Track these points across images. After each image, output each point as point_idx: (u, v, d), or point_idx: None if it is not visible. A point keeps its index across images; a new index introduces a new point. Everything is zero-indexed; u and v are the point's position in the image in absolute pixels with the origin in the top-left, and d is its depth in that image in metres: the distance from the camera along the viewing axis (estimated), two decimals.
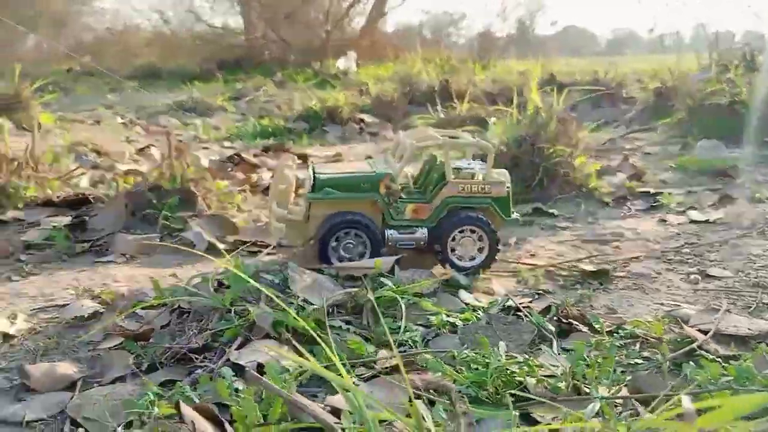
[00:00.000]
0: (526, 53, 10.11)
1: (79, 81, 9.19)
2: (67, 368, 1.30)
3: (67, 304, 1.62)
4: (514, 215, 1.96)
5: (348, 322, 1.48)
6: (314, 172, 1.87)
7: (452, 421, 0.90)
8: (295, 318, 1.37)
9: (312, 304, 1.48)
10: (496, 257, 1.89)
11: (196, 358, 1.33)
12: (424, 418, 0.89)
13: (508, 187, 1.92)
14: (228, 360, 1.28)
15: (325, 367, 1.04)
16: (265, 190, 2.55)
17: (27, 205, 2.23)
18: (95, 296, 1.67)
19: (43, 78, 4.82)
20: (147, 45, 11.34)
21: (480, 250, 1.88)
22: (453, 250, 1.86)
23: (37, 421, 1.16)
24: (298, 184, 2.18)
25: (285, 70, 9.10)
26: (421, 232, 1.85)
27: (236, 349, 1.32)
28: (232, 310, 1.44)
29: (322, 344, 1.01)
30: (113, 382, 1.28)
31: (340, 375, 0.88)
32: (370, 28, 11.35)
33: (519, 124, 2.78)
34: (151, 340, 1.42)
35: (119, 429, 1.11)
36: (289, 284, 1.55)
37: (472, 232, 1.87)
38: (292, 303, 1.47)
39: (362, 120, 4.86)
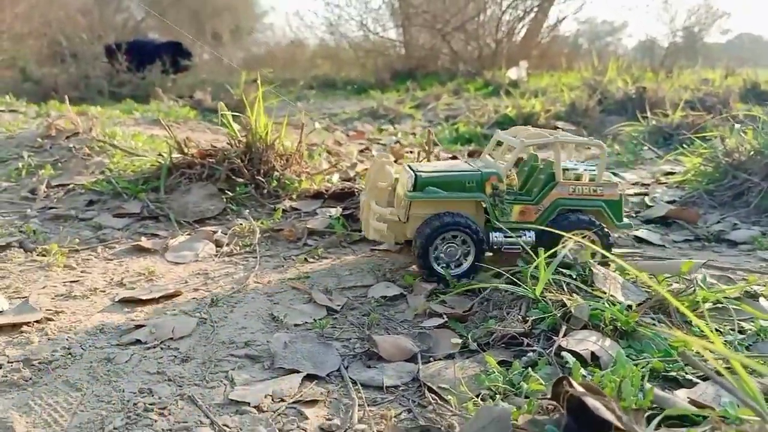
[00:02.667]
0: (694, 63, 9.47)
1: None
2: (407, 342, 1.40)
3: (371, 285, 1.75)
4: (626, 220, 1.83)
5: (659, 321, 1.47)
6: (414, 170, 1.76)
7: None
8: (620, 312, 1.40)
9: (619, 300, 1.48)
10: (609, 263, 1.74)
11: (522, 343, 1.38)
12: None
13: (620, 190, 1.81)
14: (559, 347, 1.32)
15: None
16: None
17: (299, 197, 2.45)
18: (390, 280, 1.79)
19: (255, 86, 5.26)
20: (322, 58, 11.99)
21: (592, 255, 1.75)
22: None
23: (395, 387, 1.27)
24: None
25: (454, 80, 9.22)
26: (529, 235, 1.74)
27: (562, 337, 1.36)
28: (545, 300, 1.48)
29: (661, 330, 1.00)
30: (446, 357, 1.37)
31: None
32: (536, 38, 11.19)
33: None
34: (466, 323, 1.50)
35: (478, 399, 1.19)
36: (594, 281, 1.56)
37: (583, 236, 1.76)
38: (600, 298, 1.49)
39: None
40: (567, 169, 1.83)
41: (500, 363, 1.31)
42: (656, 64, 9.57)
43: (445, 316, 1.53)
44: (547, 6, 10.98)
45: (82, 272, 1.83)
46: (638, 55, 13.22)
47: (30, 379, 1.25)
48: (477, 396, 1.20)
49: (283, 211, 2.34)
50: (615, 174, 3.34)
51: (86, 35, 8.81)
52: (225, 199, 2.37)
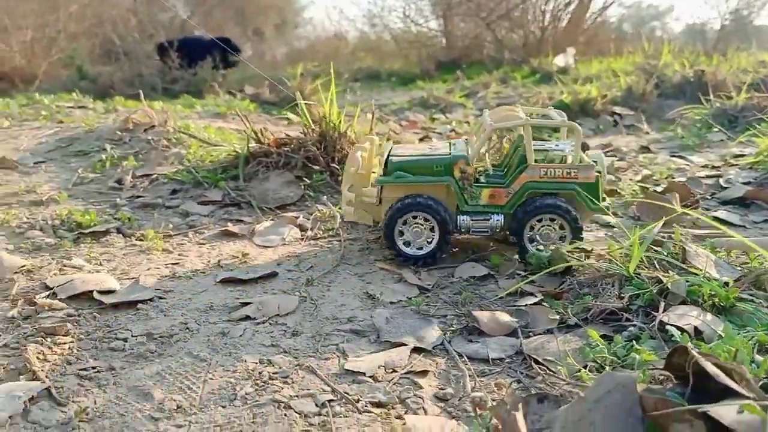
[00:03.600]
0: (747, 45, 9.17)
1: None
2: (506, 317, 1.44)
3: (456, 266, 1.79)
4: (605, 203, 1.78)
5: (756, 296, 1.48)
6: (389, 155, 1.82)
7: None
8: (719, 287, 1.41)
9: (715, 277, 1.49)
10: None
11: (620, 318, 1.41)
12: None
13: (599, 172, 1.75)
14: (661, 321, 1.34)
15: None
16: None
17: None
18: (474, 260, 1.83)
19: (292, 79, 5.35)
20: (363, 50, 12.04)
21: (562, 239, 1.74)
22: (532, 240, 1.75)
23: (500, 359, 1.31)
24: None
25: (500, 69, 9.15)
26: (496, 219, 1.75)
27: (663, 312, 1.38)
28: (639, 277, 1.50)
29: None
30: (545, 332, 1.41)
31: None
32: (582, 24, 11.01)
33: None
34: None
35: (585, 370, 1.22)
36: (688, 258, 1.57)
37: (552, 220, 1.74)
38: (696, 275, 1.50)
39: (615, 112, 4.74)
40: (549, 151, 1.81)
41: (601, 337, 1.34)
42: (708, 48, 9.32)
43: (539, 294, 1.56)
44: None
45: (179, 255, 1.92)
46: (686, 38, 12.89)
47: (155, 351, 1.33)
48: (584, 367, 1.24)
49: None
50: (681, 157, 3.30)
51: (137, 34, 9.04)
52: (303, 186, 2.44)
